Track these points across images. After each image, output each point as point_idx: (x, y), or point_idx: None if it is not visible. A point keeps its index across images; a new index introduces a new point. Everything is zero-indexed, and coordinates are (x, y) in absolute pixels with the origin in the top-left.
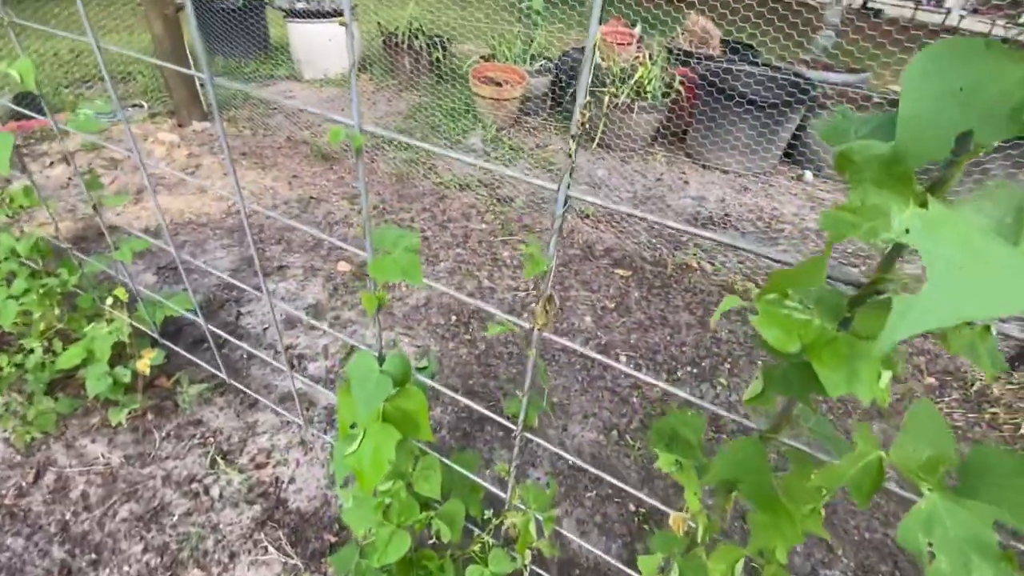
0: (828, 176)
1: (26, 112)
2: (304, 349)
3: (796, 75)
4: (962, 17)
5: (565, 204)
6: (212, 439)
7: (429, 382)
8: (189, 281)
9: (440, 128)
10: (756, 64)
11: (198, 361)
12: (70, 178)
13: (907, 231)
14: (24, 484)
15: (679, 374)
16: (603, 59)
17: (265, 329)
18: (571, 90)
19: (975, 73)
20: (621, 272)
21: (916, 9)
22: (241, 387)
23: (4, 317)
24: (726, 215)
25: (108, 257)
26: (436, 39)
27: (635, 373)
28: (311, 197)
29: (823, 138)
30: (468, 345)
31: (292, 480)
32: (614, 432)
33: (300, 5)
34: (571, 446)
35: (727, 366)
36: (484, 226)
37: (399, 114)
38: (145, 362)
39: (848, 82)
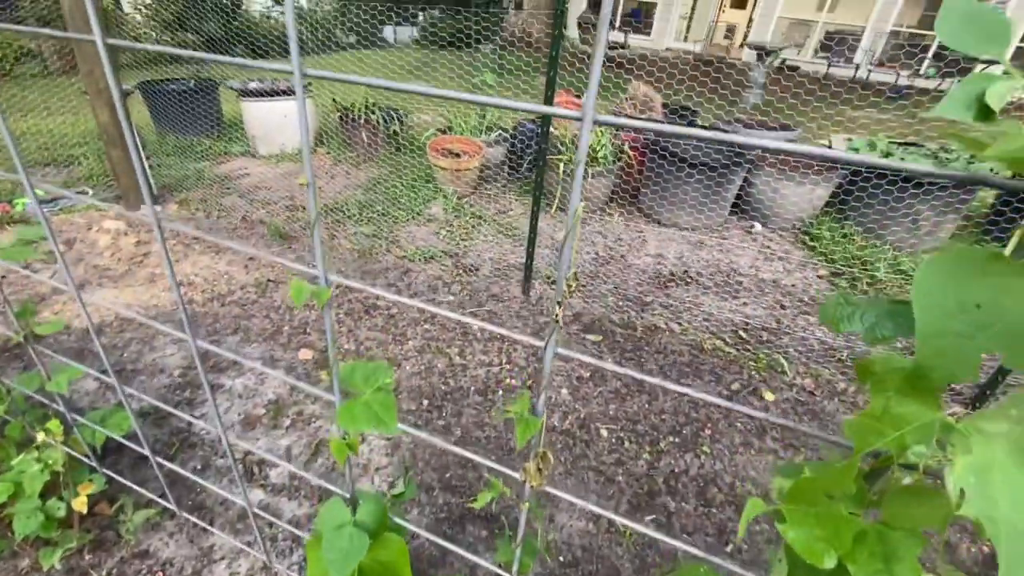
0: (776, 227)
1: None
2: (265, 453)
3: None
4: (869, 71)
5: (552, 359)
6: (161, 573)
7: (410, 527)
8: (136, 384)
9: (401, 200)
10: (696, 125)
11: (141, 491)
12: (3, 276)
13: (962, 493)
14: None
15: (662, 444)
16: (555, 128)
17: (219, 436)
18: (526, 158)
19: (990, 290)
20: (592, 338)
21: (829, 66)
22: (190, 517)
23: None
24: (686, 271)
25: (39, 379)
26: (392, 112)
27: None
28: (268, 280)
29: (823, 321)
30: (442, 433)
31: None
32: (603, 519)
33: (253, 85)
34: (560, 539)
35: (708, 432)
36: (452, 298)
37: (359, 187)
38: (82, 500)
39: (786, 139)
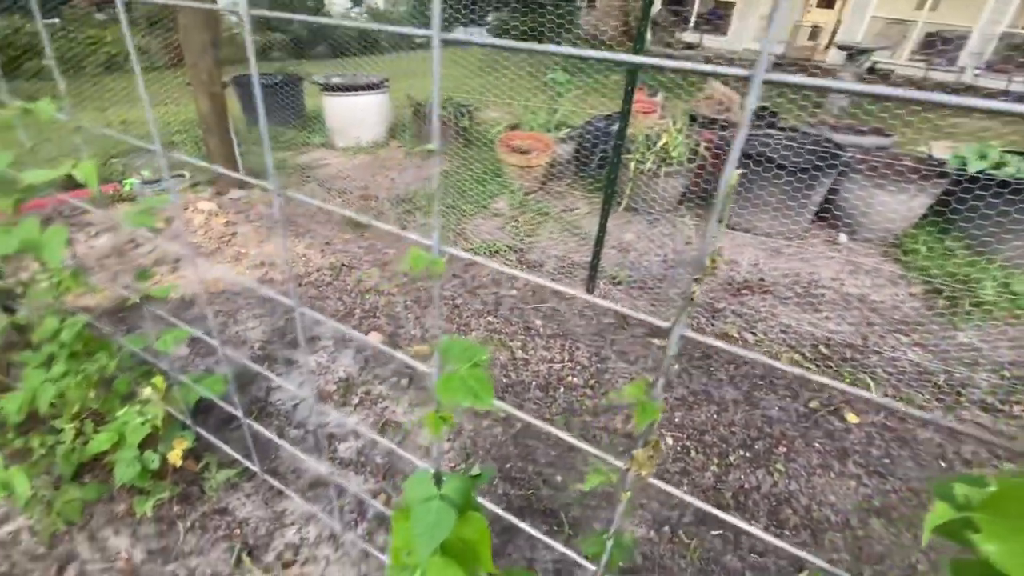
0: (864, 238)
1: (77, 181)
2: (334, 428)
3: (827, 140)
4: (976, 76)
5: (679, 341)
6: (238, 531)
7: (493, 508)
8: (221, 353)
9: (468, 193)
10: (781, 128)
11: (229, 450)
12: (113, 247)
13: None
14: None
15: (731, 458)
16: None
17: (295, 406)
18: (595, 156)
19: None
20: (659, 342)
21: (928, 69)
22: (270, 479)
23: (41, 400)
24: (761, 279)
25: (145, 340)
26: (464, 108)
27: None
28: (343, 264)
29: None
30: (502, 424)
31: None
32: (666, 528)
33: (336, 79)
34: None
35: (782, 449)
36: (515, 292)
37: (428, 179)
38: (177, 453)
39: (880, 145)
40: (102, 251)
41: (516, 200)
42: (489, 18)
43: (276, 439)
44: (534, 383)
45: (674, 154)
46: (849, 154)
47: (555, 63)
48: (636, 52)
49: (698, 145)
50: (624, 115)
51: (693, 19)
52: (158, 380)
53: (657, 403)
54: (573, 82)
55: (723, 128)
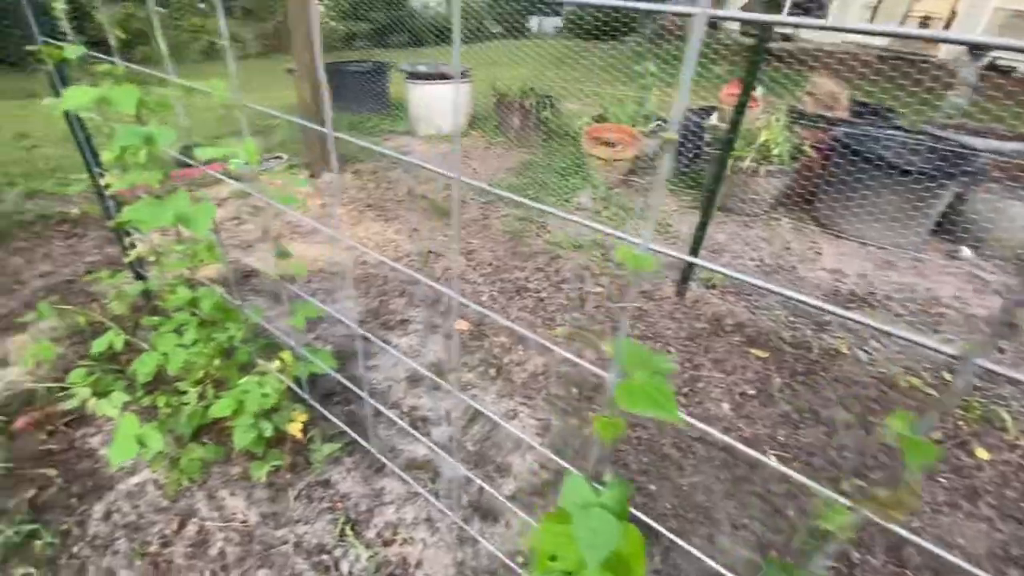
0: (991, 254)
1: (188, 161)
2: (427, 412)
3: (957, 143)
4: None
5: (972, 371)
6: (340, 504)
7: (652, 523)
8: (320, 330)
9: (549, 185)
10: (897, 128)
11: (342, 425)
12: (219, 222)
13: None
14: (168, 533)
15: (843, 485)
16: (723, 120)
17: (390, 387)
18: (686, 151)
19: None
20: (757, 352)
21: None
22: (378, 454)
23: (172, 364)
24: (871, 293)
25: (262, 311)
26: (546, 99)
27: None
28: (430, 251)
29: None
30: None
31: (419, 564)
32: (772, 552)
33: (421, 68)
34: (721, 563)
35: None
36: (600, 289)
37: (510, 169)
38: (297, 425)
39: (1020, 151)
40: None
41: (599, 194)
42: (564, 7)
43: (381, 413)
44: None
45: (775, 152)
46: (983, 160)
47: (636, 52)
48: (759, 46)
49: (802, 143)
50: (740, 108)
51: (787, 6)
52: (286, 355)
53: (931, 444)
54: (664, 70)
55: (830, 126)
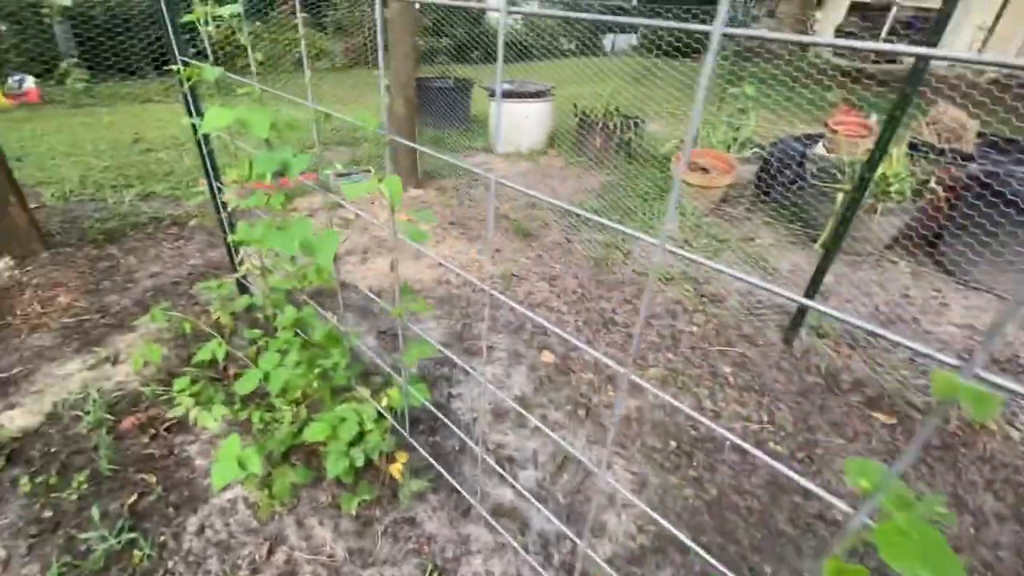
0: None
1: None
2: (513, 451)
3: None
4: None
5: None
6: (427, 548)
7: None
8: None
9: (633, 212)
10: None
11: (423, 451)
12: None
13: None
14: (258, 559)
15: None
16: (831, 150)
17: (475, 419)
18: (783, 180)
19: None
20: (881, 417)
21: None
22: (458, 488)
23: (274, 383)
24: (1015, 356)
25: (358, 334)
26: (630, 120)
27: None
28: (512, 274)
29: None
30: (694, 484)
31: None
32: None
33: (505, 86)
34: None
35: None
36: (695, 328)
37: (591, 191)
38: (398, 466)
39: None
40: None
41: (689, 223)
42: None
43: (466, 447)
44: (727, 443)
45: (894, 188)
46: None
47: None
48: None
49: (928, 179)
50: (883, 143)
51: (886, 27)
52: (395, 392)
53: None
54: (762, 95)
55: (955, 160)
